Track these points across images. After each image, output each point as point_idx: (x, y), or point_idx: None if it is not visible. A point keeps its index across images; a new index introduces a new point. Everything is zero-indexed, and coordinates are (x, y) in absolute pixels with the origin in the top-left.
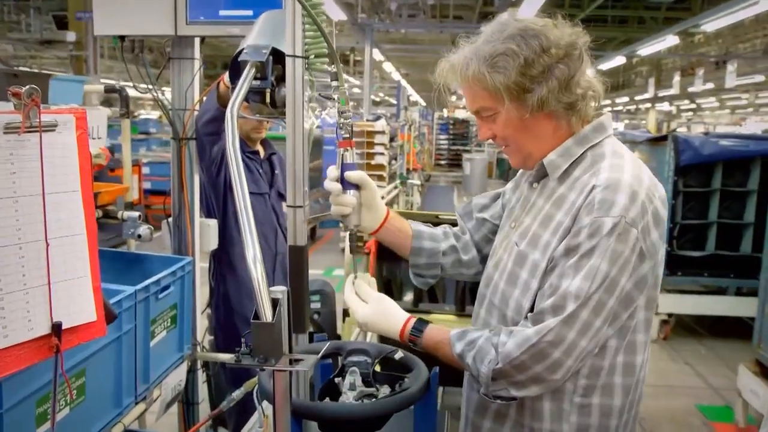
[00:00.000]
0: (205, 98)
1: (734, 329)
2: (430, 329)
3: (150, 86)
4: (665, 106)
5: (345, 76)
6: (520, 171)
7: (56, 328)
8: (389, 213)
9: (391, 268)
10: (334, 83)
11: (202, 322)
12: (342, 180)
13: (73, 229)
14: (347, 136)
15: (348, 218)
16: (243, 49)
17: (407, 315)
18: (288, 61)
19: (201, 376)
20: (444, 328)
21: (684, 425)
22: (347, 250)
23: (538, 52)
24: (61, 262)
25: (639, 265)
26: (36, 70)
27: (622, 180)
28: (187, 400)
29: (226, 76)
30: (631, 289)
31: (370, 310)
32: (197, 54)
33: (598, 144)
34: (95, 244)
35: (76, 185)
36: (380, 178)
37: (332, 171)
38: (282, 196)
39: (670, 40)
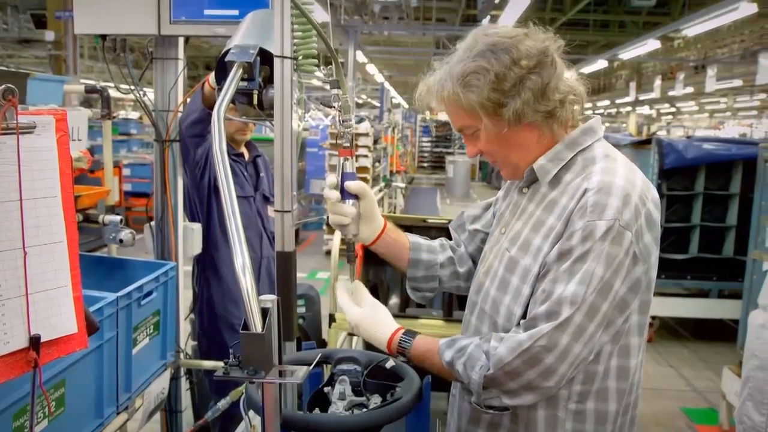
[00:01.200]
0: (189, 99)
1: (717, 332)
2: (418, 339)
3: (132, 87)
4: (645, 110)
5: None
6: None
7: (34, 342)
8: (386, 224)
9: (377, 273)
10: (335, 91)
11: (185, 328)
12: (342, 189)
13: (53, 237)
14: (348, 145)
15: (346, 228)
16: (229, 50)
17: (397, 326)
18: (276, 61)
19: (185, 383)
20: (432, 338)
21: (669, 428)
22: (334, 253)
23: (508, 65)
24: (40, 271)
25: (633, 268)
26: (13, 69)
27: (615, 183)
28: (170, 408)
29: (211, 77)
30: (625, 293)
31: (363, 313)
32: (181, 54)
33: (588, 147)
34: (76, 252)
35: (55, 190)
36: (364, 180)
37: (332, 179)
38: (267, 199)
39: (651, 44)
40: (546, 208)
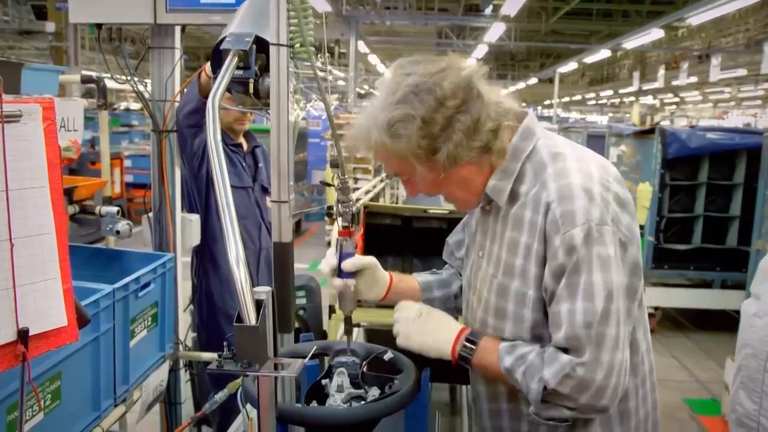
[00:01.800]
0: (186, 89)
1: (720, 322)
2: (482, 345)
3: (128, 77)
4: (649, 100)
5: (329, 67)
6: None
7: (23, 335)
8: (392, 279)
9: (380, 261)
10: (335, 169)
11: (184, 320)
12: (339, 269)
13: (41, 228)
14: (346, 225)
15: (344, 304)
16: (225, 38)
17: (459, 327)
18: (272, 50)
19: (184, 375)
20: (494, 342)
21: (672, 419)
22: (333, 244)
23: (434, 108)
24: (28, 263)
25: (625, 254)
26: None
27: (572, 184)
28: (169, 400)
29: (207, 66)
30: (629, 281)
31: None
32: (178, 43)
33: (533, 151)
34: (65, 244)
35: (43, 180)
36: (365, 171)
37: (330, 257)
38: (266, 190)
39: (654, 33)
40: (514, 226)
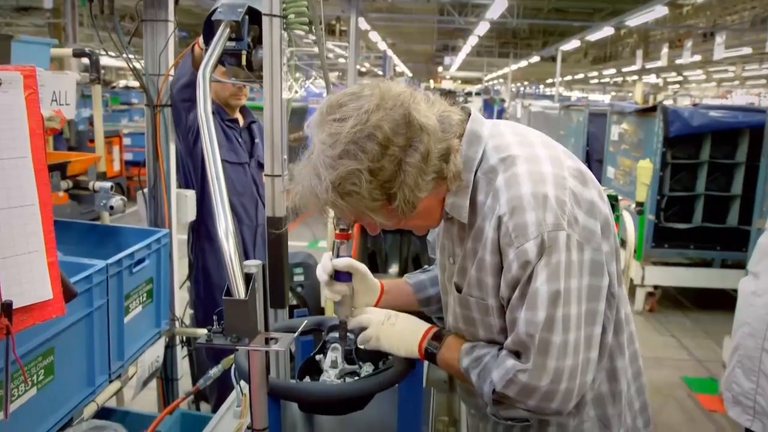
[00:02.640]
0: (179, 63)
1: (719, 301)
2: (446, 344)
3: (122, 51)
4: (652, 78)
5: (330, 44)
6: None
7: (6, 308)
8: (383, 286)
9: (375, 241)
10: None
11: (181, 297)
12: (336, 272)
13: (23, 199)
14: (345, 227)
15: (339, 308)
16: (217, 8)
17: (426, 326)
18: (265, 20)
19: (181, 351)
20: (458, 342)
21: (669, 397)
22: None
23: (380, 154)
24: (9, 235)
25: (582, 256)
26: None
27: (523, 194)
28: (166, 376)
29: (201, 39)
30: (589, 281)
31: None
32: (171, 16)
33: (483, 158)
34: (50, 216)
35: (25, 150)
36: None
37: (326, 260)
38: (262, 166)
39: (659, 11)
40: (475, 238)
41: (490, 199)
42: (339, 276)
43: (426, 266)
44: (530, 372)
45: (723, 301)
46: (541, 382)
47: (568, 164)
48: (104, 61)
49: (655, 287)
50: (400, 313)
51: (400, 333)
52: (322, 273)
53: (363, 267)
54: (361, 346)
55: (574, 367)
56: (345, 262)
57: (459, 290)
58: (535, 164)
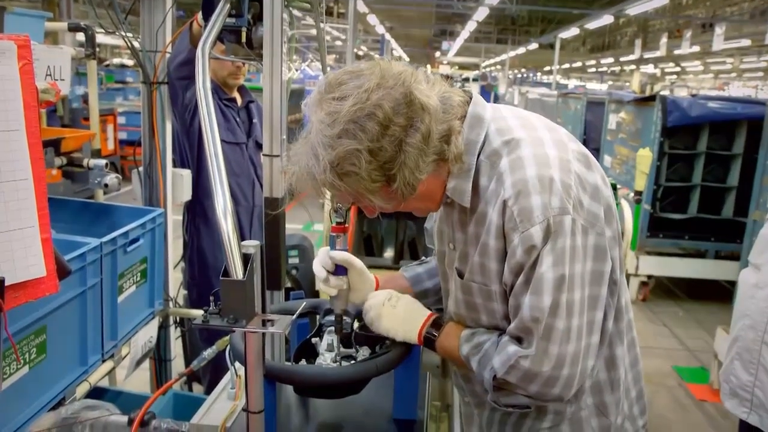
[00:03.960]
0: (177, 39)
1: (712, 292)
2: (445, 330)
3: (118, 27)
4: (650, 69)
5: (327, 27)
6: None
7: None
8: (378, 282)
9: (372, 225)
10: None
11: (175, 277)
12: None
13: (17, 174)
14: (341, 221)
15: (335, 302)
16: None
17: (428, 312)
18: None
19: (174, 332)
20: (458, 329)
21: (660, 386)
22: (327, 206)
23: (380, 133)
24: (3, 211)
25: (586, 241)
26: None
27: (528, 177)
28: (159, 356)
29: (200, 16)
30: (592, 266)
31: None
32: None
33: (485, 141)
34: (44, 191)
35: (18, 123)
36: None
37: (324, 255)
38: (260, 147)
39: (658, 0)
40: (478, 222)
41: (494, 183)
42: (335, 270)
43: (423, 257)
44: (532, 357)
45: (716, 292)
46: (543, 367)
47: (572, 147)
48: (99, 38)
49: (649, 277)
50: (402, 295)
51: (400, 316)
52: (320, 269)
53: (359, 262)
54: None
55: (576, 353)
56: (342, 256)
57: (461, 276)
58: (539, 147)
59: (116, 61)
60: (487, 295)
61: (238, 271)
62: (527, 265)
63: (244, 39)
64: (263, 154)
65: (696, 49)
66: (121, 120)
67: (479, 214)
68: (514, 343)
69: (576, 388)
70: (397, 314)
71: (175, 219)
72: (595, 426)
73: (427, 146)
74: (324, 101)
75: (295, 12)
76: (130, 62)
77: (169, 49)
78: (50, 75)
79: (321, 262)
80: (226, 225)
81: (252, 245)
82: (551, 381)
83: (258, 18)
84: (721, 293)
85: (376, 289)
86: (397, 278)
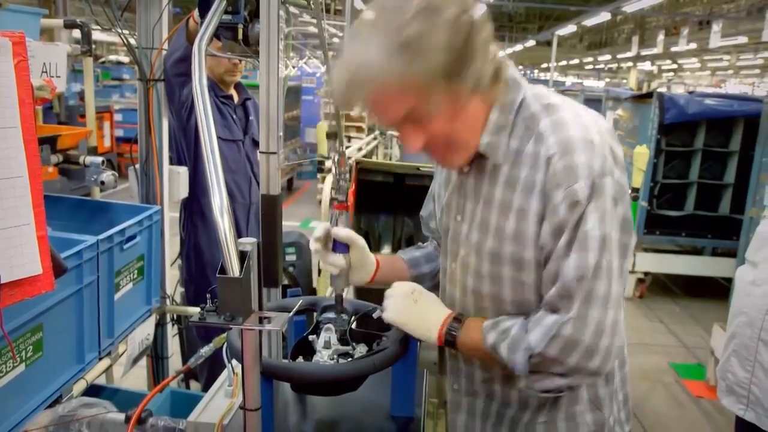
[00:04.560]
0: (173, 36)
1: (709, 289)
2: (467, 325)
3: (114, 24)
4: (647, 66)
5: (324, 24)
6: None
7: None
8: (379, 262)
9: (369, 221)
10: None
11: (172, 275)
12: (333, 241)
13: (12, 171)
14: (343, 199)
15: (336, 281)
16: None
17: (448, 311)
18: None
19: (171, 329)
20: (478, 321)
21: (657, 382)
22: (324, 202)
23: (455, 18)
24: None
25: (616, 210)
26: None
27: (572, 137)
28: (156, 354)
29: (196, 12)
30: (620, 237)
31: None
32: None
33: (522, 104)
34: (40, 188)
35: (14, 120)
36: (359, 129)
37: (322, 229)
38: (257, 144)
39: None
40: (507, 186)
41: (532, 144)
42: (336, 247)
43: (420, 243)
44: (574, 322)
45: (712, 289)
46: (584, 334)
47: (604, 123)
48: (95, 35)
49: (646, 273)
50: (427, 291)
51: (420, 313)
52: (314, 242)
53: (361, 240)
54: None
55: (614, 322)
56: (345, 233)
57: (480, 248)
58: (578, 116)
59: (112, 58)
60: (519, 264)
61: (234, 269)
62: (571, 224)
63: (240, 36)
64: (260, 152)
65: (693, 46)
66: (117, 117)
67: (509, 180)
68: (551, 315)
69: (612, 363)
70: (417, 310)
71: (172, 216)
72: (590, 421)
73: (488, 54)
74: (387, 8)
75: (292, 9)
76: (126, 59)
77: (165, 46)
78: (46, 72)
79: (318, 237)
80: (223, 222)
81: (249, 242)
82: (591, 350)
83: (254, 15)
84: (717, 290)
85: (377, 270)
86: (397, 260)
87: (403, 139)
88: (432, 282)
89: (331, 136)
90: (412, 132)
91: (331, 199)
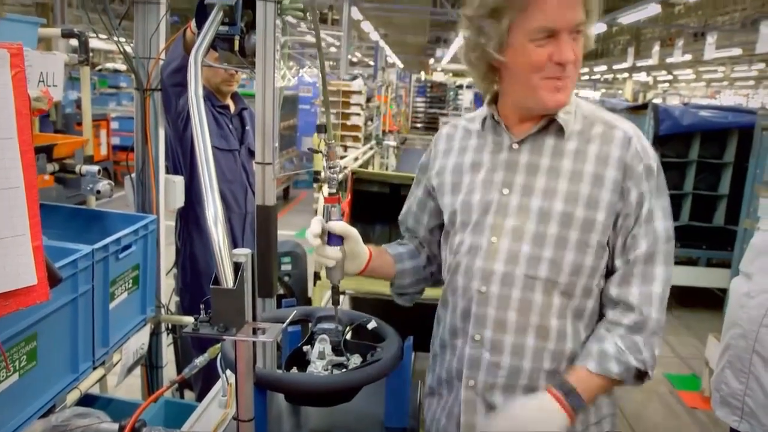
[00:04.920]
0: (171, 46)
1: (703, 299)
2: (579, 386)
3: (112, 33)
4: (642, 77)
5: (322, 33)
6: (441, 139)
7: None
8: (371, 253)
9: (365, 230)
10: (322, 135)
11: (167, 284)
12: (328, 234)
13: (9, 182)
14: (334, 191)
15: (332, 273)
16: None
17: (552, 398)
18: (259, 5)
19: (166, 338)
20: (575, 371)
21: (652, 393)
22: (319, 212)
23: None
24: None
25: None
26: None
27: (635, 127)
28: (150, 363)
29: (193, 23)
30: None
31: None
32: None
33: (575, 103)
34: (36, 199)
35: (11, 131)
36: (355, 139)
37: (315, 225)
38: (253, 154)
39: (651, 9)
40: (577, 159)
41: (601, 127)
42: (331, 240)
43: (400, 240)
44: (663, 274)
45: (707, 300)
46: (668, 285)
47: None
48: (93, 43)
49: None
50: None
51: (536, 415)
52: (313, 238)
53: (355, 231)
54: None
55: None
56: (340, 226)
57: (544, 214)
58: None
59: (110, 65)
60: (589, 225)
61: (228, 280)
62: (653, 193)
63: (237, 47)
64: (256, 162)
65: (688, 57)
66: (114, 125)
67: (578, 153)
68: (632, 333)
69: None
70: (528, 414)
71: (168, 224)
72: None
73: None
74: None
75: (290, 18)
76: (123, 67)
77: (162, 56)
78: (43, 81)
79: (314, 232)
80: (217, 234)
81: (243, 254)
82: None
83: (251, 26)
84: (712, 300)
85: (369, 260)
86: (384, 252)
87: (563, 47)
88: (412, 278)
89: (321, 128)
90: (569, 45)
91: (321, 191)
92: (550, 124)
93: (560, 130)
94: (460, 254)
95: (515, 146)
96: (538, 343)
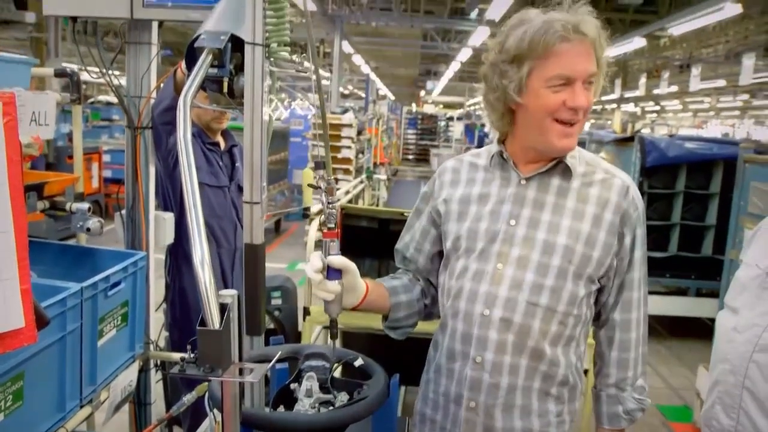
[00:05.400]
0: (162, 86)
1: (693, 329)
2: None
3: (104, 71)
4: (630, 107)
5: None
6: (447, 172)
7: None
8: (368, 287)
9: (357, 264)
10: (321, 172)
11: (157, 319)
12: (327, 269)
13: None
14: (332, 226)
15: (330, 306)
16: (200, 35)
17: None
18: (247, 48)
19: (155, 375)
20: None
21: (644, 425)
22: (309, 245)
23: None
24: None
25: None
26: None
27: (629, 177)
28: (139, 400)
29: (183, 64)
30: None
31: None
32: (155, 39)
33: (578, 151)
34: (25, 243)
35: (2, 178)
36: (346, 171)
37: (316, 261)
38: (242, 190)
39: (637, 42)
40: (579, 199)
41: (601, 173)
42: (330, 274)
43: (394, 274)
44: (644, 310)
45: (698, 330)
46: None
47: None
48: (85, 76)
49: None
50: None
51: None
52: (314, 273)
53: (353, 265)
54: None
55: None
56: (339, 260)
57: (548, 246)
58: None
59: (102, 98)
60: (586, 261)
61: (215, 321)
62: (638, 241)
63: (225, 89)
64: (244, 201)
65: (674, 88)
66: (106, 158)
67: (581, 194)
68: (623, 392)
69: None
70: None
71: (158, 258)
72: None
73: None
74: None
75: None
76: (115, 100)
77: (153, 95)
78: (35, 120)
79: (315, 267)
80: (204, 275)
81: (229, 294)
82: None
83: (240, 68)
84: (702, 330)
85: (366, 293)
86: (380, 286)
87: (578, 93)
88: (407, 311)
89: (319, 165)
90: (584, 93)
91: (321, 227)
92: (556, 165)
93: (565, 172)
94: (464, 279)
95: (523, 182)
96: (531, 363)
